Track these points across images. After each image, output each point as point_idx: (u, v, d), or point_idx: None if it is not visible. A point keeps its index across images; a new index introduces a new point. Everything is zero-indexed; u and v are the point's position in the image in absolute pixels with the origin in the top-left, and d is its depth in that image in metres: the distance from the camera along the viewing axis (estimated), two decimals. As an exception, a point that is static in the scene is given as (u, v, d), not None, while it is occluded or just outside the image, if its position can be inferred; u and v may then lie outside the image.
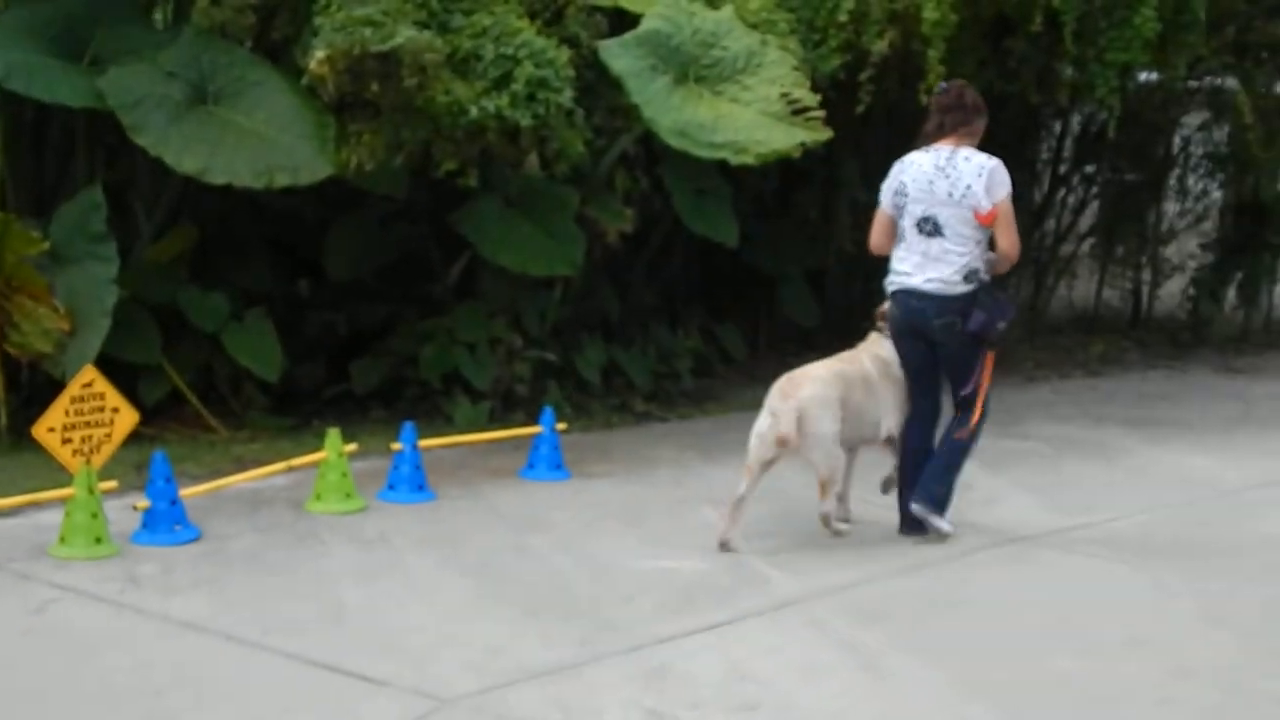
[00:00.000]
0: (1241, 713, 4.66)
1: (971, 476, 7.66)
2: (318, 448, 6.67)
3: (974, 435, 6.39)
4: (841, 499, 6.52)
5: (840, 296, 11.80)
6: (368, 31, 6.92)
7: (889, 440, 6.46)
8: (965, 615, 5.49)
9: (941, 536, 6.34)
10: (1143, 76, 11.03)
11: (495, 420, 8.37)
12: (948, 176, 6.12)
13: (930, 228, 6.14)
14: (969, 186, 6.07)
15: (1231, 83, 11.83)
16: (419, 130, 7.31)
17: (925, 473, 6.33)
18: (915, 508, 6.31)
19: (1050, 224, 13.16)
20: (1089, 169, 13.11)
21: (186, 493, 6.21)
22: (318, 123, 7.48)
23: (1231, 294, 13.82)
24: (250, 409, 8.30)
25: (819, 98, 8.01)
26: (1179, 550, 6.51)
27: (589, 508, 6.77)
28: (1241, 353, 12.96)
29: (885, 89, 9.37)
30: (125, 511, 6.03)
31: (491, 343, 8.53)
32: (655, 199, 9.13)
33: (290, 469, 6.68)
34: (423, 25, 7.21)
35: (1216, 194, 13.86)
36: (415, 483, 6.76)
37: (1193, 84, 12.27)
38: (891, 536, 6.49)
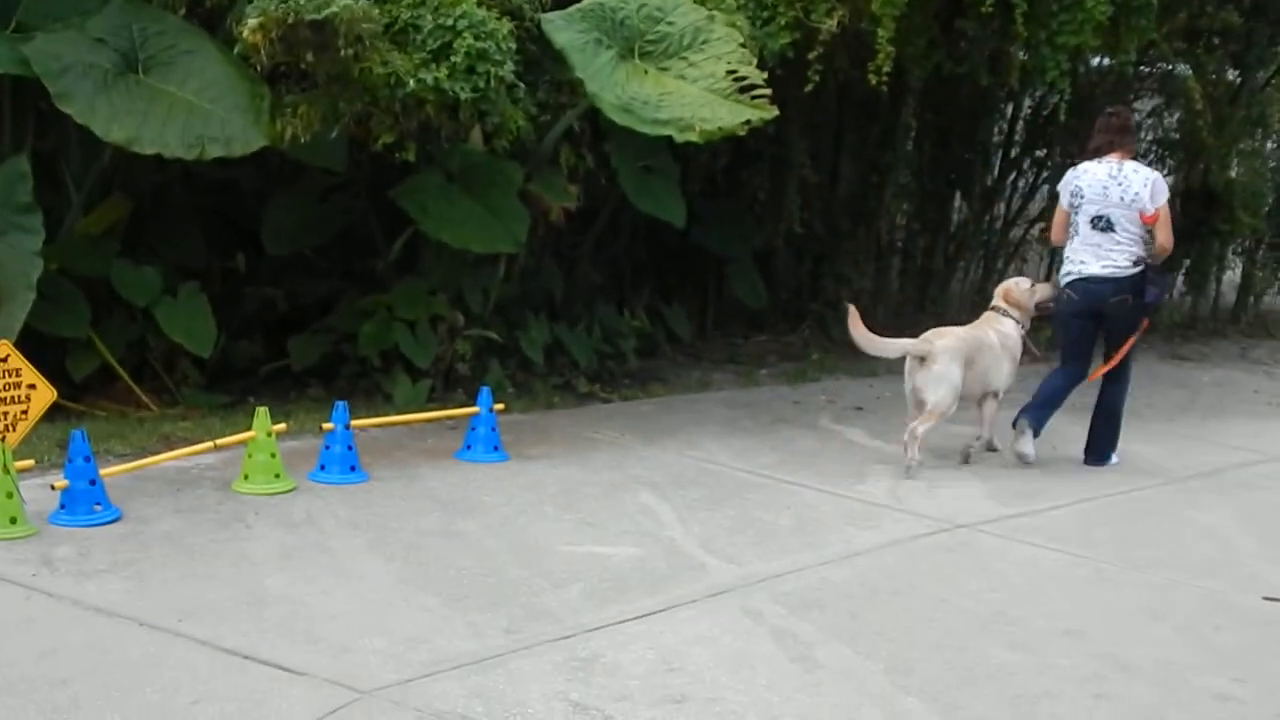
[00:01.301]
0: (1177, 709, 4.56)
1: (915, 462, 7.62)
2: (249, 427, 6.49)
3: (1125, 387, 7.98)
4: (991, 445, 7.96)
5: (788, 278, 11.74)
6: (302, -1, 6.72)
7: (995, 396, 7.90)
8: (901, 604, 5.38)
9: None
10: (1094, 61, 10.96)
11: (436, 399, 8.26)
12: (1120, 184, 7.51)
13: (1104, 224, 7.51)
14: (1137, 193, 7.47)
15: (1183, 69, 11.78)
16: (355, 102, 7.14)
17: (1096, 440, 7.93)
18: (1092, 466, 7.87)
19: (1000, 207, 13.08)
20: (1039, 153, 13.04)
21: (108, 472, 6.01)
22: (251, 93, 7.29)
23: (1180, 281, 13.80)
24: (184, 386, 8.11)
25: (766, 76, 7.87)
26: (1120, 540, 6.44)
27: (525, 490, 6.64)
28: (1189, 340, 12.97)
29: (834, 68, 9.25)
30: (45, 491, 5.83)
31: (432, 320, 8.41)
32: (601, 176, 8.99)
33: (217, 448, 6.49)
34: (360, -6, 7.01)
35: (1167, 180, 13.81)
36: (347, 463, 6.60)
37: (1144, 69, 12.23)
38: (830, 524, 6.39)
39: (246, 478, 6.35)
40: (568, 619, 4.98)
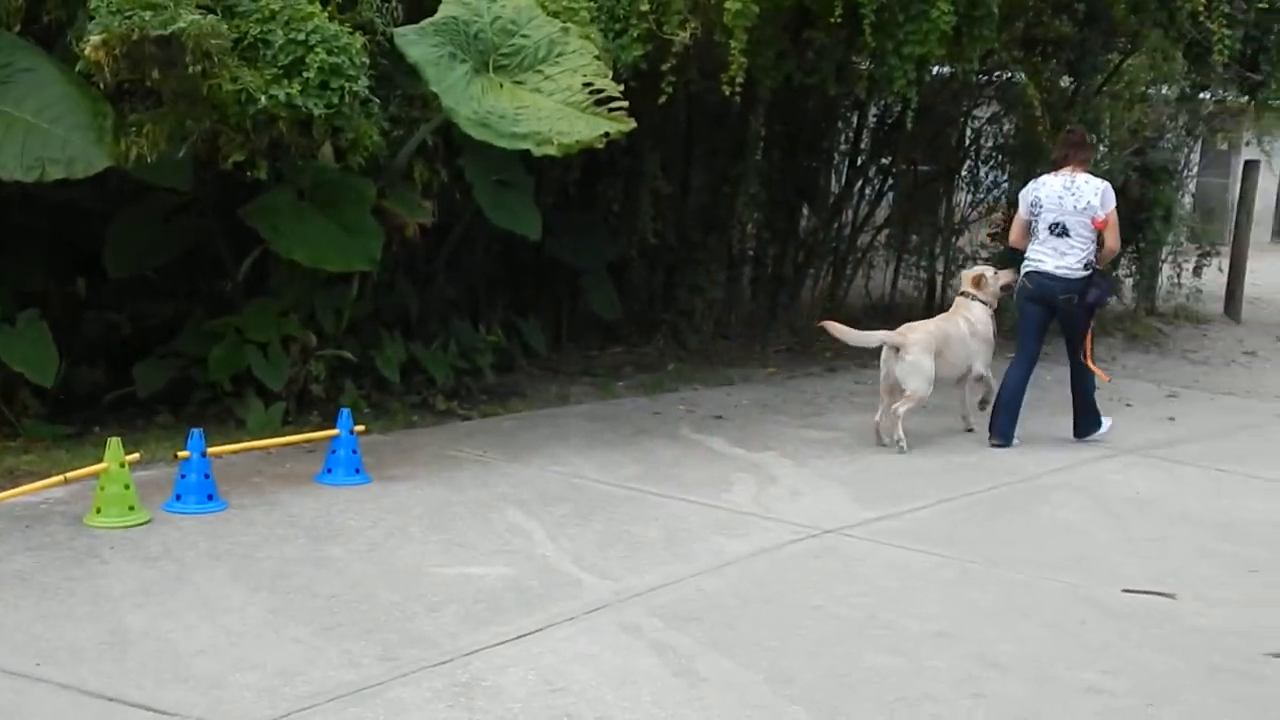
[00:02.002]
0: (1052, 704, 4.67)
1: (776, 468, 7.72)
2: (98, 458, 6.28)
3: (1090, 374, 8.82)
4: (964, 416, 9.02)
5: (642, 289, 11.77)
6: (147, 15, 6.51)
7: (980, 378, 8.87)
8: (776, 613, 5.42)
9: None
10: (935, 70, 11.20)
11: (290, 423, 8.08)
12: (1073, 194, 8.45)
13: (1060, 230, 8.44)
14: (1089, 202, 8.40)
15: (1021, 77, 12.10)
16: (204, 120, 6.94)
17: (1078, 420, 8.90)
18: (1083, 440, 8.84)
19: (848, 215, 13.30)
20: (885, 160, 13.29)
21: (-48, 509, 5.76)
22: (94, 112, 7.04)
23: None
24: (24, 417, 7.80)
25: (621, 88, 7.87)
26: (983, 539, 6.58)
27: (390, 513, 6.53)
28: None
29: (687, 79, 9.31)
30: (-117, 531, 5.57)
31: (284, 341, 8.24)
32: (455, 191, 8.91)
33: (67, 482, 6.26)
34: (207, 9, 6.83)
35: (1006, 185, 14.20)
36: (204, 492, 6.43)
37: (983, 78, 12.54)
38: (699, 534, 6.42)
39: (99, 511, 6.13)
40: (444, 643, 4.91)
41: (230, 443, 7.38)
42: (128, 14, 6.50)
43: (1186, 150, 15.47)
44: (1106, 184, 8.55)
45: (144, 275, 8.55)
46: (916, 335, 8.45)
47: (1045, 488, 7.70)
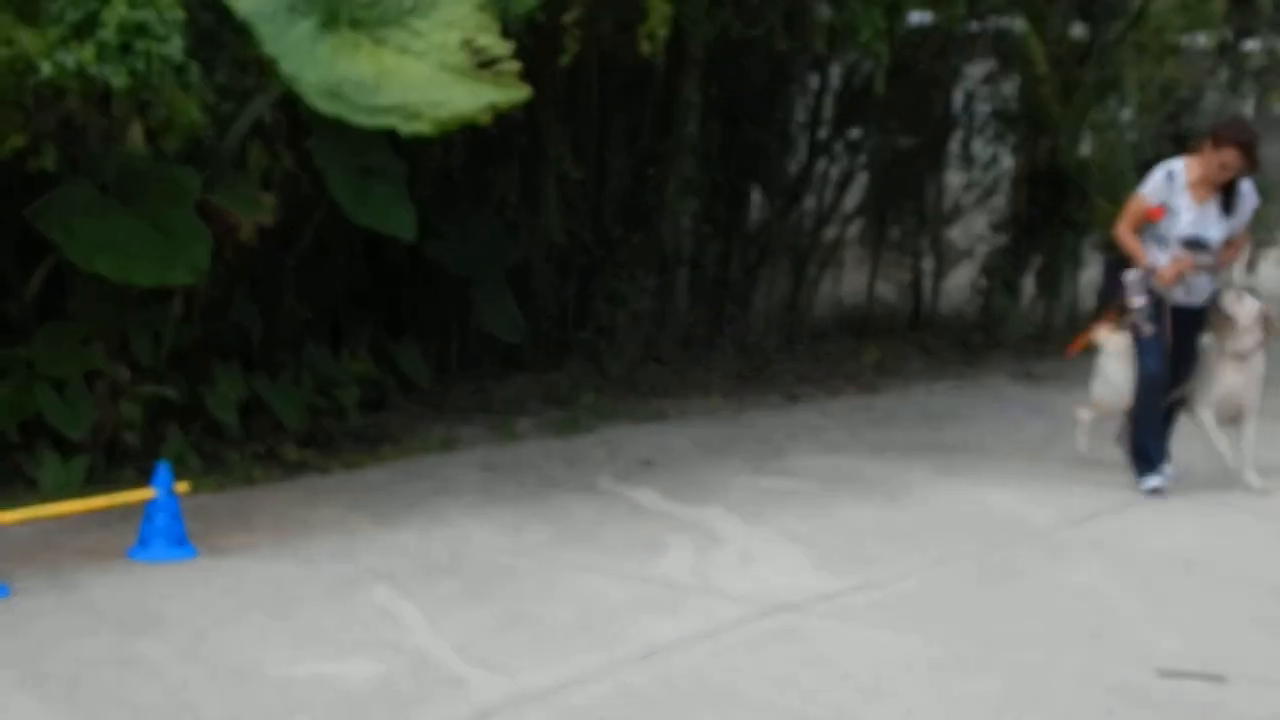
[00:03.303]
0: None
1: (720, 527, 7.73)
2: None
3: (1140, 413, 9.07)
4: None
5: (550, 302, 11.75)
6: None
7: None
8: (718, 713, 5.37)
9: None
10: (915, 18, 11.27)
11: (96, 481, 8.06)
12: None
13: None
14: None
15: (1021, 24, 12.21)
16: (-30, 96, 6.87)
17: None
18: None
19: (809, 202, 13.34)
20: (854, 133, 13.35)
21: None
22: None
23: (1030, 283, 14.29)
24: None
25: (512, 46, 7.85)
26: (981, 614, 6.57)
27: (222, 595, 6.46)
28: (1044, 355, 13.43)
29: (597, 34, 9.30)
30: None
31: (88, 378, 8.25)
32: (304, 181, 8.87)
33: None
34: (-28, -46, 6.78)
35: (1008, 161, 14.31)
36: (-22, 574, 6.33)
37: (975, 27, 12.63)
38: (622, 614, 6.39)
39: None
40: (289, 765, 4.84)
41: (19, 507, 7.26)
42: None
43: (1232, 113, 15.65)
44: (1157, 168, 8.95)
45: (-97, 296, 8.46)
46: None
47: (1057, 545, 7.72)
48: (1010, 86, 13.67)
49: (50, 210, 7.94)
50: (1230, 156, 8.62)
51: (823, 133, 13.20)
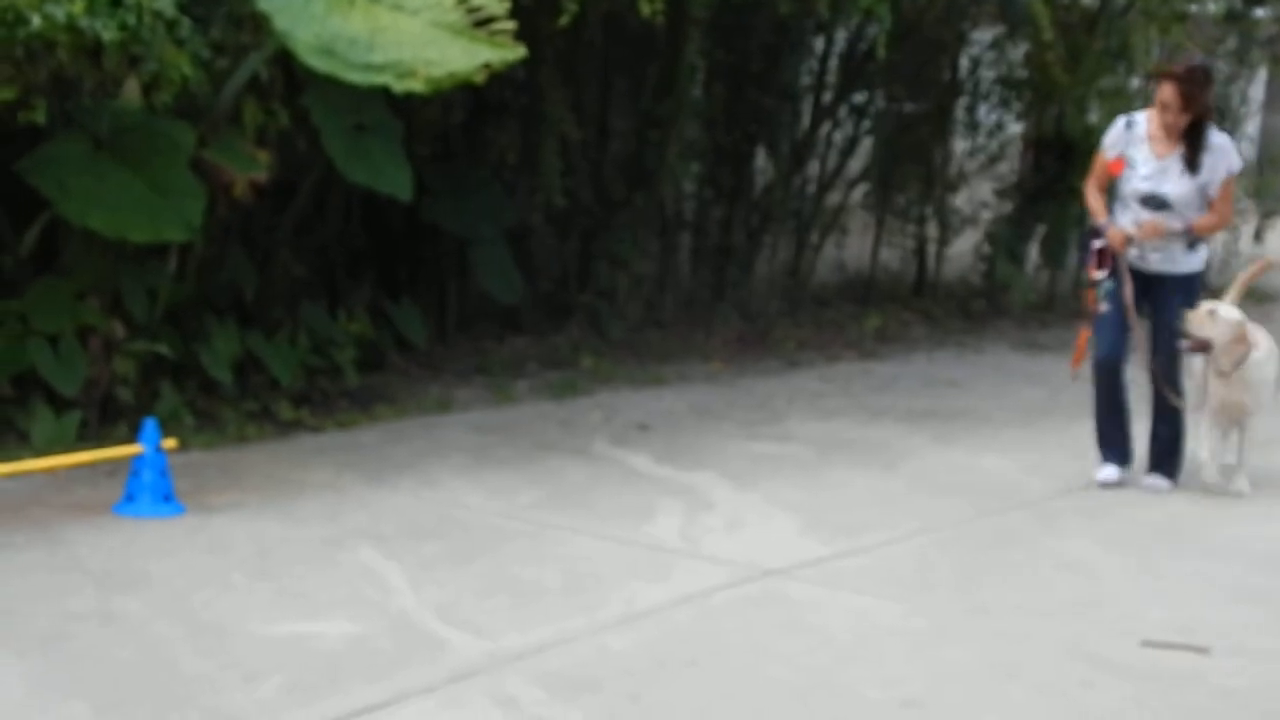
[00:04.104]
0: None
1: (712, 492, 7.71)
2: None
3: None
4: None
5: (550, 263, 11.71)
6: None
7: None
8: (697, 677, 5.37)
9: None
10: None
11: (89, 437, 8.05)
12: None
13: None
14: None
15: (1027, -10, 12.12)
16: (-41, 48, 6.84)
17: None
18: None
19: (813, 168, 13.29)
20: (858, 98, 13.29)
21: None
22: None
23: (1034, 251, 14.23)
24: None
25: (508, 4, 7.82)
26: (967, 582, 6.56)
27: (206, 553, 6.46)
28: (1046, 324, 13.39)
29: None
30: None
31: (81, 333, 8.23)
32: (300, 138, 8.85)
33: None
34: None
35: (1014, 128, 14.23)
36: (-36, 529, 6.33)
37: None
38: (608, 578, 6.38)
39: None
40: (261, 723, 4.82)
41: (10, 461, 7.29)
42: None
43: (1241, 83, 15.57)
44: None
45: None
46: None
47: (1049, 514, 7.70)
48: (1017, 52, 13.57)
49: (43, 165, 7.92)
50: (1166, 93, 7.77)
51: (827, 97, 13.13)
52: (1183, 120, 7.81)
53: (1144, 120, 8.02)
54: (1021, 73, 13.59)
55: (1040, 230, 14.10)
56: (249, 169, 8.45)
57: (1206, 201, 8.00)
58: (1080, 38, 12.59)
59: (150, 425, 7.10)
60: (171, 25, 7.28)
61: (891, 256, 14.18)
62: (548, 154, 10.95)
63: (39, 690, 5.03)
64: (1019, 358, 12.06)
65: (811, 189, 13.33)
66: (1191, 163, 7.91)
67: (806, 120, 13.14)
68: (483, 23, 7.73)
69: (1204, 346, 7.99)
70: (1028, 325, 13.31)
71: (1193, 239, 8.05)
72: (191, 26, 7.61)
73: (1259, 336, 8.25)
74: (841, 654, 5.65)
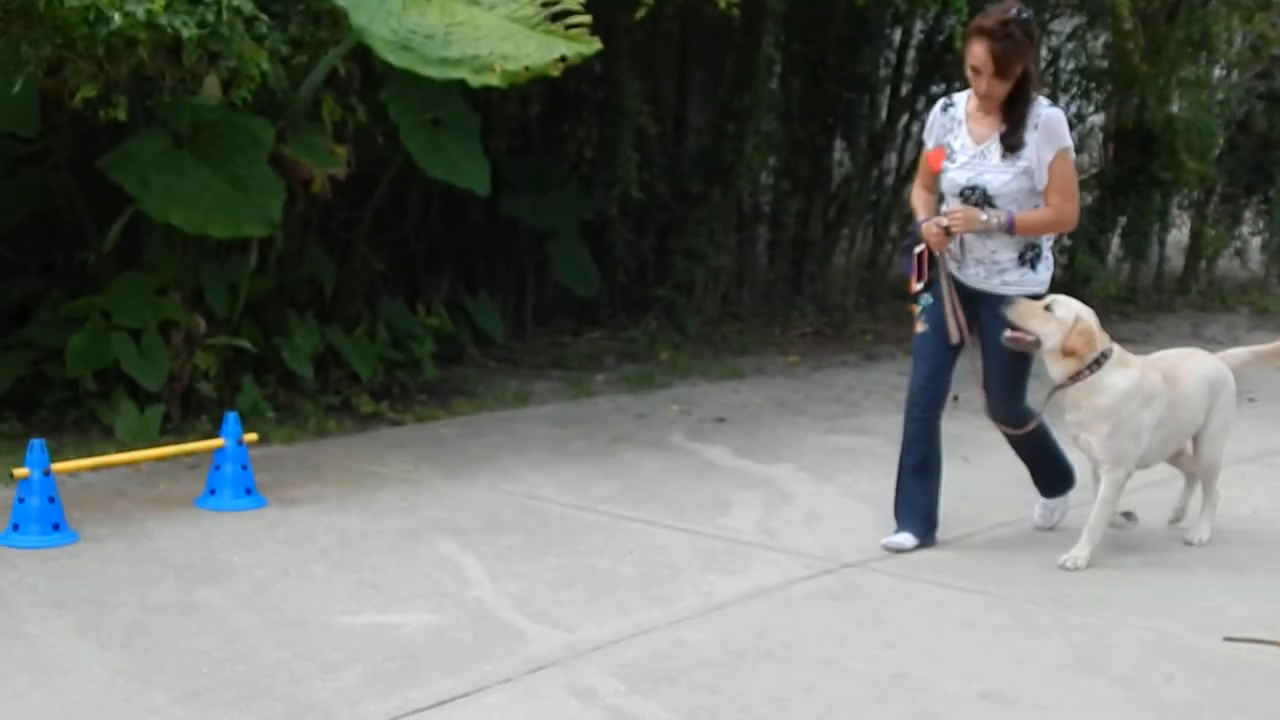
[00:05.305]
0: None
1: (790, 485, 7.69)
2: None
3: None
4: None
5: (627, 256, 11.72)
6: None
7: None
8: (774, 670, 5.35)
9: None
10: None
11: (172, 431, 8.14)
12: None
13: None
14: None
15: (1108, -20, 12.03)
16: (44, 44, 6.94)
17: None
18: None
19: (890, 160, 13.24)
20: (936, 89, 13.20)
21: None
22: (-96, 37, 7.02)
23: (1115, 244, 14.10)
24: None
25: (585, -1, 7.84)
26: (1048, 574, 6.49)
27: (286, 546, 6.51)
28: (1128, 317, 13.27)
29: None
30: None
31: (163, 328, 8.29)
32: (378, 134, 8.89)
33: None
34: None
35: (1094, 119, 14.11)
36: (48, 520, 6.43)
37: (1061, -20, 12.48)
38: (684, 570, 6.38)
39: (-94, 546, 6.12)
40: (341, 713, 4.85)
41: (94, 455, 7.36)
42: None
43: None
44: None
45: (-17, 245, 8.56)
46: None
47: (1137, 505, 7.59)
48: (1097, 43, 13.46)
49: (124, 162, 8.02)
50: (976, 53, 6.20)
51: (905, 89, 13.07)
52: (999, 89, 6.25)
53: (963, 100, 6.54)
54: (1101, 63, 13.47)
55: (1121, 222, 13.97)
56: (327, 164, 8.50)
57: (1040, 193, 6.47)
58: (1161, 27, 12.49)
59: (231, 419, 7.16)
60: (250, 22, 7.35)
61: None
62: (624, 147, 10.97)
63: (121, 680, 5.07)
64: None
65: (889, 181, 13.27)
66: (1011, 143, 6.37)
67: (884, 112, 13.10)
68: (558, 16, 7.75)
69: (1029, 345, 6.47)
70: (1108, 318, 13.15)
71: (1025, 247, 6.50)
72: (270, 23, 7.68)
73: (1184, 365, 6.98)
74: (919, 647, 5.61)
